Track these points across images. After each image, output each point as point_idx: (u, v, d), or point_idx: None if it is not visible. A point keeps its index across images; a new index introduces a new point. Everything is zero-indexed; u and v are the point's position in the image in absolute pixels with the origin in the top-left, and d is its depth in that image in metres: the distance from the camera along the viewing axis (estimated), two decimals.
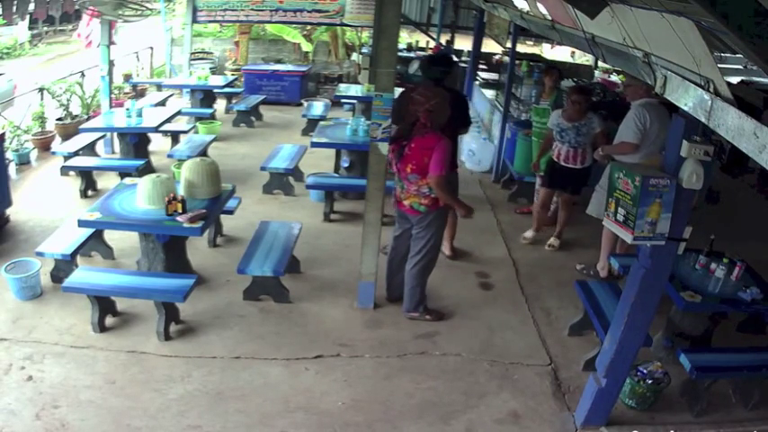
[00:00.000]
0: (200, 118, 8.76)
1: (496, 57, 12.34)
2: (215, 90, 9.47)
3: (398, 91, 4.66)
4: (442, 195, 4.03)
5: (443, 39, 13.30)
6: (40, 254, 4.50)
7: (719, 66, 2.23)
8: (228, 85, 9.56)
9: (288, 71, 10.84)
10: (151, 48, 12.13)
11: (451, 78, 4.69)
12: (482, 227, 6.08)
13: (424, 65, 5.17)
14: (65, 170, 6.74)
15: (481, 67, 10.97)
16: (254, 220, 5.49)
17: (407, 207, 4.17)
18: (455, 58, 11.62)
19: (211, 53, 12.06)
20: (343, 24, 10.14)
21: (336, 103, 10.08)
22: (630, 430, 3.45)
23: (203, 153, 7.00)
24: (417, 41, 13.49)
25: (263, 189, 6.64)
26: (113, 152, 7.62)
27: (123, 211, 4.25)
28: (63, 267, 4.53)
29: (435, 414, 3.53)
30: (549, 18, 4.77)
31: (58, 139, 7.73)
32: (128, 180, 4.95)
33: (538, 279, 5.20)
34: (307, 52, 12.19)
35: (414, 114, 3.96)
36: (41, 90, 7.97)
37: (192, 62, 10.51)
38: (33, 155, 7.33)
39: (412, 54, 12.04)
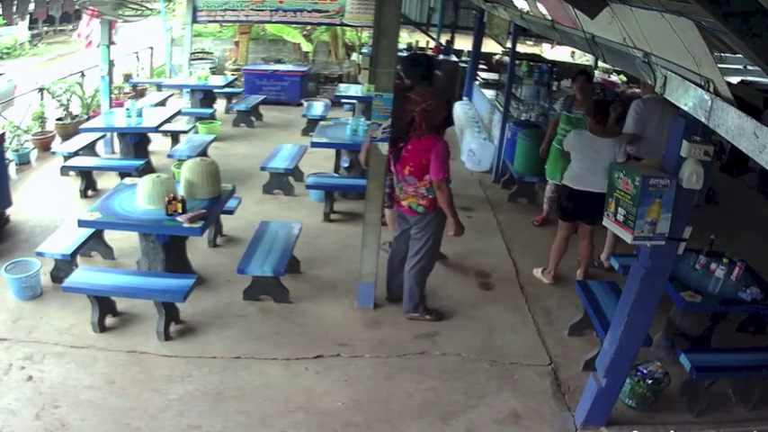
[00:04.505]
0: (200, 118, 8.76)
1: (496, 57, 12.36)
2: (215, 90, 9.47)
3: None
4: (443, 199, 3.98)
5: (443, 39, 13.31)
6: (40, 254, 4.50)
7: (719, 66, 2.22)
8: (228, 85, 9.56)
9: (288, 71, 10.83)
10: (151, 48, 12.13)
11: (435, 78, 4.63)
12: (482, 227, 6.08)
13: (404, 65, 4.93)
14: (65, 170, 6.74)
15: (481, 67, 10.98)
16: (254, 220, 5.49)
17: (406, 207, 4.16)
18: (455, 58, 11.71)
19: (211, 53, 12.06)
20: (343, 24, 10.14)
21: (336, 103, 10.07)
22: (630, 430, 3.45)
23: (203, 153, 7.00)
24: (417, 41, 13.49)
25: (263, 189, 6.64)
26: (113, 152, 7.62)
27: (123, 211, 4.25)
28: (63, 267, 4.53)
29: (435, 414, 3.53)
30: (549, 18, 4.77)
31: (58, 139, 7.72)
32: (128, 180, 4.94)
33: (538, 279, 5.19)
34: (307, 52, 12.19)
35: (409, 114, 3.94)
36: (41, 90, 7.96)
37: (192, 62, 10.51)
38: (33, 155, 7.32)
39: None
